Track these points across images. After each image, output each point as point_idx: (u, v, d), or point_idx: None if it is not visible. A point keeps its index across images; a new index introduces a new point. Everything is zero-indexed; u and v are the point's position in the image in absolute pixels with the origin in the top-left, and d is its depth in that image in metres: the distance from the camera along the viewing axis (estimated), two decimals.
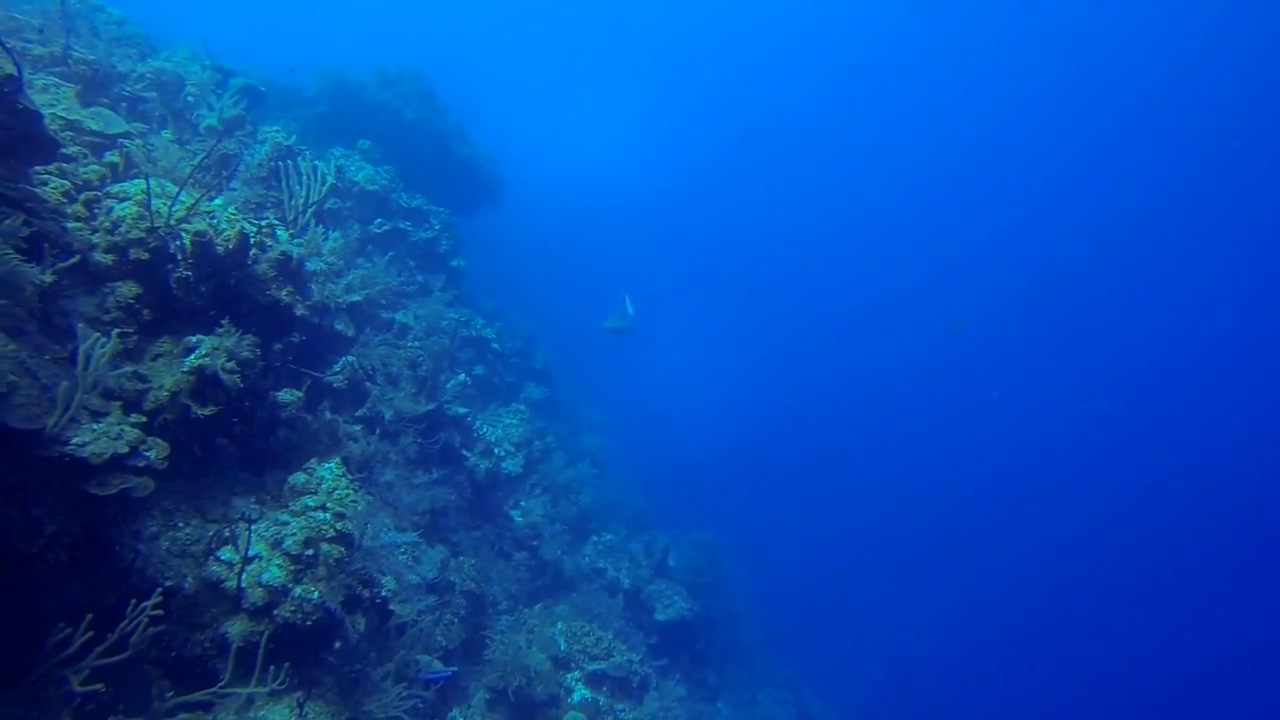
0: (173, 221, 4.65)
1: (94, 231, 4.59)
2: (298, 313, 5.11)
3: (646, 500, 14.08)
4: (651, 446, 21.29)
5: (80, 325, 4.05)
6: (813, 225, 43.98)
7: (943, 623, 25.98)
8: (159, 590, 3.74)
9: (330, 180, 6.42)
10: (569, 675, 8.01)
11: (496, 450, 9.69)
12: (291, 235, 5.34)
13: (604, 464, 13.73)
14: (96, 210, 4.70)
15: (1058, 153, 41.87)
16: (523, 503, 9.98)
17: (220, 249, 4.50)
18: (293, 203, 6.11)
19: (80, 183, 4.96)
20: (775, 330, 37.56)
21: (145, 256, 4.58)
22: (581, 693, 7.86)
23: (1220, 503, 34.84)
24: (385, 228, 9.82)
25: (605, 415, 15.77)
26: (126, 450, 3.71)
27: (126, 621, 3.61)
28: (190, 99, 7.90)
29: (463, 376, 8.87)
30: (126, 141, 5.89)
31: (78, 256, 4.18)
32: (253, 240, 4.71)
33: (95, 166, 5.19)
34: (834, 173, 44.93)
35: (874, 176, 44.94)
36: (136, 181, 4.93)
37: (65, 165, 5.01)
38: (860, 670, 20.28)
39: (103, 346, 3.87)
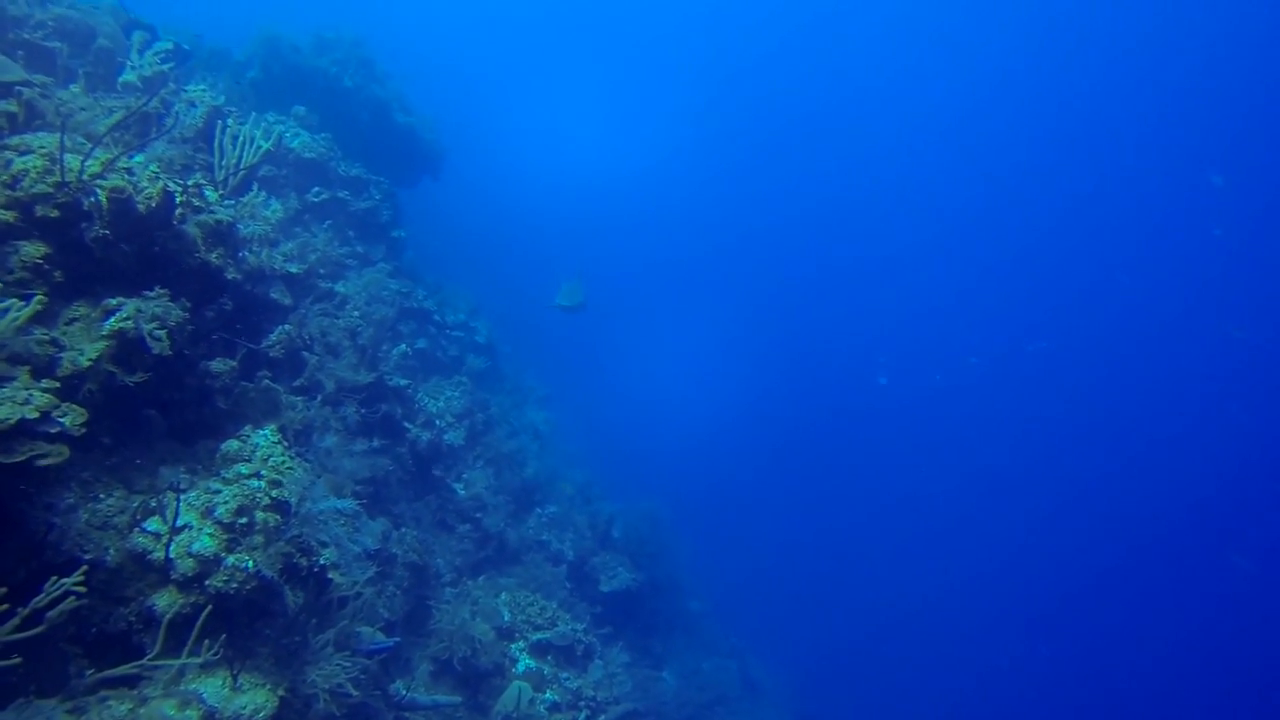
0: (85, 177, 4.39)
1: None
2: (229, 276, 4.91)
3: (592, 473, 14.11)
4: (598, 420, 21.33)
5: None
6: (779, 212, 44.10)
7: (887, 596, 26.84)
8: (83, 566, 3.57)
9: (265, 145, 6.16)
10: (513, 645, 8.03)
11: (438, 422, 9.56)
12: (222, 197, 5.11)
13: (549, 437, 13.69)
14: None
15: (1075, 154, 42.18)
16: (465, 474, 9.90)
17: (141, 208, 4.27)
18: (224, 164, 5.83)
19: None
20: (733, 311, 37.80)
21: (54, 214, 4.31)
22: (526, 662, 7.89)
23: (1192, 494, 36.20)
24: (323, 196, 9.49)
25: (551, 389, 15.71)
26: (36, 416, 3.51)
27: (42, 596, 3.44)
28: (102, 52, 7.44)
29: (404, 348, 8.70)
30: (24, 90, 5.51)
31: None
32: (179, 200, 4.49)
33: None
34: (804, 159, 45.00)
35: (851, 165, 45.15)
36: (41, 134, 4.63)
37: None
38: (803, 639, 20.86)
39: (17, 310, 3.65)
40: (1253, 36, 34.27)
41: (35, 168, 4.21)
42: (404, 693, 6.20)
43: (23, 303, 3.76)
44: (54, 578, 3.48)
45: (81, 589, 3.49)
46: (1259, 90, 35.41)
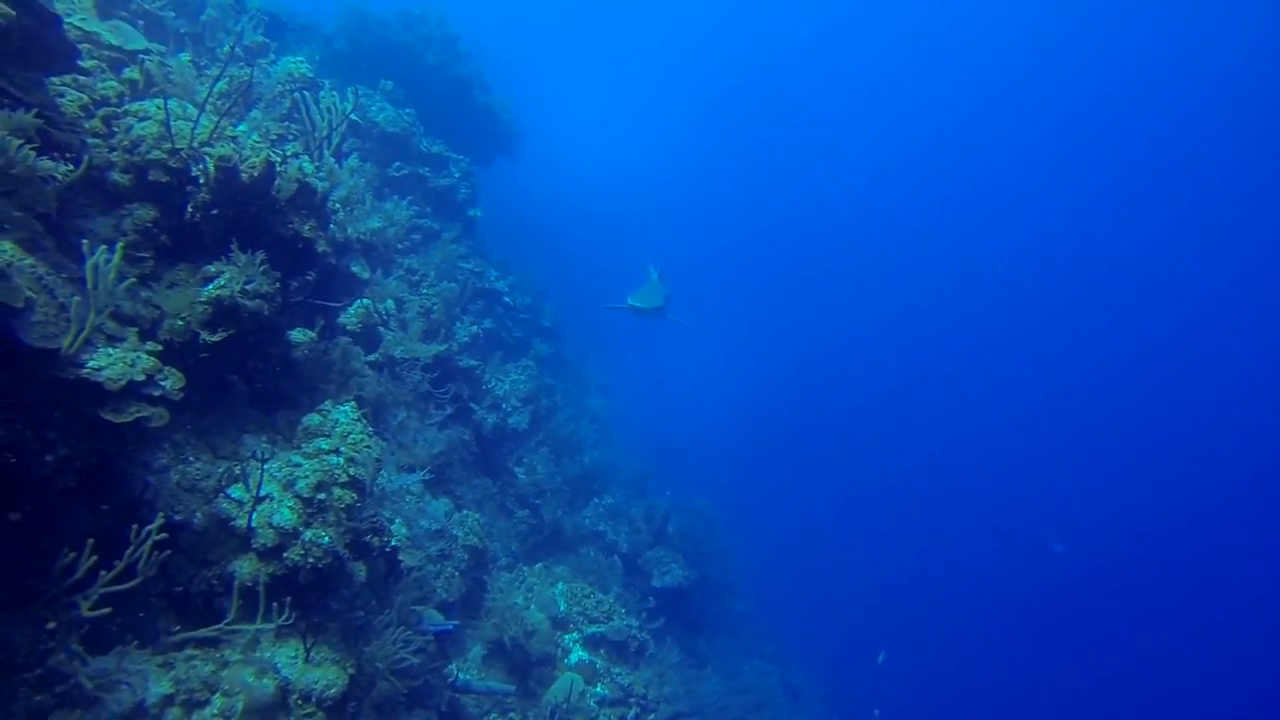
0: (195, 144, 4.45)
1: (112, 150, 4.38)
2: (319, 249, 4.93)
3: (647, 465, 14.02)
4: (654, 413, 21.25)
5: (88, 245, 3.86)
6: (830, 218, 43.75)
7: (929, 609, 26.25)
8: (160, 514, 3.61)
9: (354, 118, 6.18)
10: (567, 636, 8.01)
11: (504, 405, 9.58)
12: (316, 169, 5.14)
13: (607, 426, 13.66)
14: (115, 128, 4.48)
15: (1087, 155, 41.52)
16: (526, 459, 9.90)
17: (245, 176, 4.31)
18: (315, 136, 5.88)
19: (98, 98, 4.72)
20: (786, 315, 37.50)
21: (165, 179, 4.39)
22: (579, 654, 7.86)
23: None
24: (404, 171, 9.56)
25: (609, 378, 15.67)
26: (143, 378, 3.57)
27: (133, 548, 3.51)
28: (209, 22, 7.61)
29: (475, 328, 8.71)
30: (146, 59, 5.64)
31: (86, 162, 3.96)
32: (278, 170, 4.51)
33: (113, 83, 4.93)
34: (858, 168, 44.64)
35: (894, 172, 44.67)
36: (156, 101, 4.71)
37: (82, 78, 4.77)
38: (844, 649, 20.49)
39: (108, 262, 3.68)
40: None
41: (151, 134, 4.28)
42: (459, 675, 6.22)
43: (111, 253, 3.79)
44: (138, 526, 3.52)
45: (164, 535, 3.52)
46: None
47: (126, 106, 4.64)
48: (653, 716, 7.70)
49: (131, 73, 5.23)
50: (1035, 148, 42.91)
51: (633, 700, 7.71)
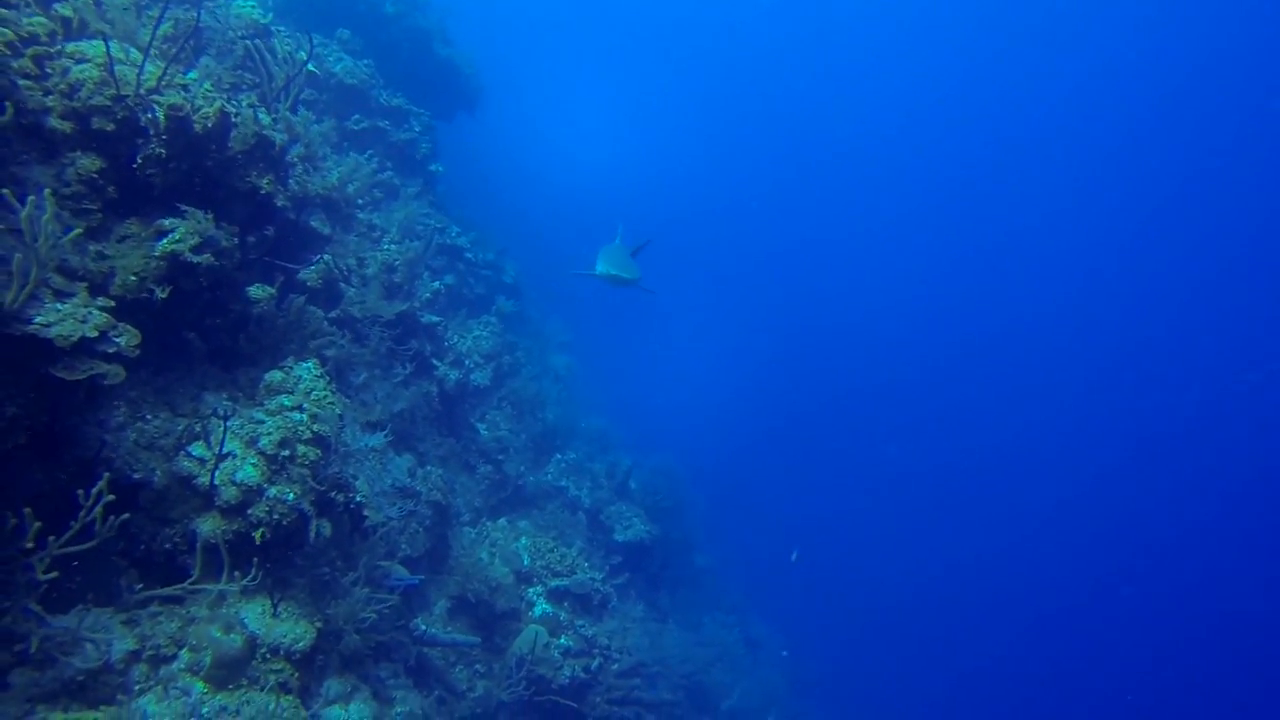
0: (142, 91, 4.27)
1: (47, 94, 4.16)
2: (278, 203, 4.82)
3: (608, 421, 14.15)
4: (616, 369, 21.34)
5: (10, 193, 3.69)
6: (807, 187, 43.82)
7: (888, 564, 27.18)
8: (105, 476, 3.55)
9: (311, 67, 5.98)
10: (531, 589, 8.15)
11: (466, 361, 9.55)
12: (274, 120, 4.98)
13: (569, 383, 13.72)
14: (49, 69, 4.25)
15: (1075, 150, 41.88)
16: (489, 415, 9.92)
17: (198, 127, 4.16)
18: (272, 86, 5.68)
19: (24, 35, 4.44)
20: (764, 284, 37.82)
21: (110, 127, 4.20)
22: (543, 607, 8.01)
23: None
24: (363, 125, 9.30)
25: (572, 335, 15.67)
26: (95, 334, 3.48)
27: (85, 510, 3.47)
28: None
29: (436, 284, 8.62)
30: None
31: (11, 107, 3.76)
32: (234, 121, 4.36)
33: (42, 19, 4.65)
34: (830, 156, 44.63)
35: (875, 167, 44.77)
36: (95, 42, 4.47)
37: (4, 12, 4.47)
38: (802, 601, 21.17)
39: (40, 210, 3.53)
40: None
41: (92, 78, 4.09)
42: (425, 629, 6.31)
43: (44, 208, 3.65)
44: (95, 490, 3.48)
45: (112, 498, 3.47)
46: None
47: (61, 46, 4.40)
48: (616, 666, 7.93)
49: (63, 9, 4.93)
50: (1034, 144, 43.01)
51: (596, 651, 7.91)
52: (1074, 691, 27.78)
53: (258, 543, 4.12)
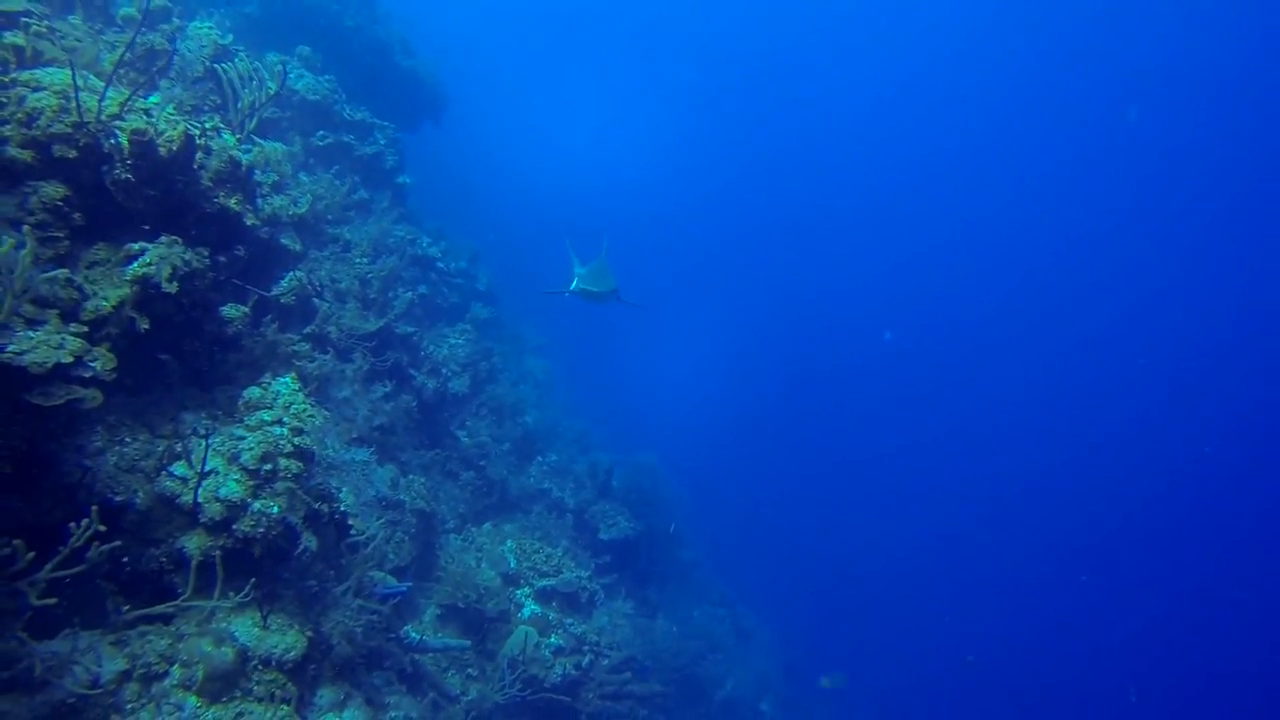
0: (104, 118, 4.31)
1: (3, 123, 4.19)
2: (247, 223, 4.87)
3: (588, 422, 14.27)
4: (593, 370, 21.45)
5: None
6: (790, 180, 44.06)
7: (870, 548, 27.53)
8: (95, 508, 3.60)
9: (273, 86, 6.03)
10: (519, 591, 8.23)
11: (443, 370, 9.60)
12: (239, 141, 5.03)
13: (547, 386, 13.82)
14: (3, 99, 4.27)
15: (1065, 154, 42.31)
16: (469, 422, 9.98)
17: (163, 151, 4.21)
18: (237, 107, 5.72)
19: None
20: (743, 284, 37.99)
21: (73, 155, 4.23)
22: (531, 608, 8.10)
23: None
24: (328, 140, 9.32)
25: (547, 337, 15.77)
26: (70, 360, 3.52)
27: (76, 536, 3.51)
28: None
29: (409, 295, 8.66)
30: (30, 21, 5.32)
31: None
32: (198, 144, 4.41)
33: None
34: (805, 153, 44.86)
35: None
36: (52, 70, 4.50)
37: None
38: (790, 590, 21.43)
39: (21, 248, 3.57)
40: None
41: (51, 106, 4.12)
42: (415, 636, 6.37)
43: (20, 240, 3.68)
44: (85, 520, 3.53)
45: (103, 528, 3.52)
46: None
47: (14, 75, 4.42)
48: (607, 662, 8.03)
49: (15, 38, 4.92)
50: (1033, 143, 43.41)
51: (586, 648, 8.01)
52: (1062, 674, 28.26)
53: (246, 557, 4.18)
